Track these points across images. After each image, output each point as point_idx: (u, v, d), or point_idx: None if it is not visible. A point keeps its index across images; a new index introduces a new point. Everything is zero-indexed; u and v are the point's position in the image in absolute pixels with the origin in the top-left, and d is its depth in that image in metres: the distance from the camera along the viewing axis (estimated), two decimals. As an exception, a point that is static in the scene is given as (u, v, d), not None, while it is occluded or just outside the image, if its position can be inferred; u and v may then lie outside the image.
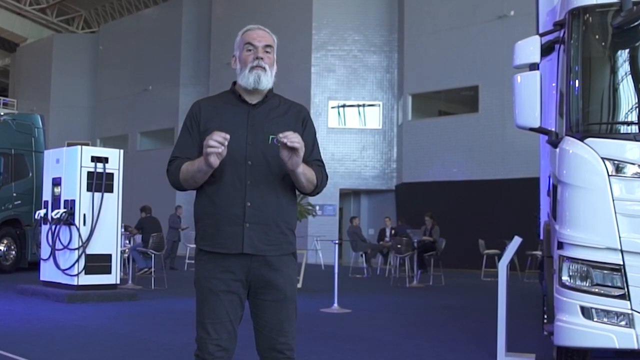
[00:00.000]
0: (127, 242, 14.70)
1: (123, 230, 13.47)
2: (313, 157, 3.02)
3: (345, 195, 25.42)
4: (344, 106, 24.41)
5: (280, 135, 2.74)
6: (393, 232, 17.44)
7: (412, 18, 22.89)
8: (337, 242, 10.86)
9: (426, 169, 21.99)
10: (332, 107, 24.31)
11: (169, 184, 3.07)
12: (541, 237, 6.25)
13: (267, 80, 2.97)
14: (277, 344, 2.94)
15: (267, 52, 2.99)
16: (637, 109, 4.61)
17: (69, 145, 14.79)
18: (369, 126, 24.41)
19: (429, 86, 22.60)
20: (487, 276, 15.13)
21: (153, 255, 13.29)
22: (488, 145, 20.44)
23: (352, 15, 24.38)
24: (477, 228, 18.54)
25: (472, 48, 21.05)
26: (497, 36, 19.81)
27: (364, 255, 18.18)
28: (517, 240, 6.00)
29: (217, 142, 2.71)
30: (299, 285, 13.04)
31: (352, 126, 24.39)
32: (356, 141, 24.13)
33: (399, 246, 14.52)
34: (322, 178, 3.02)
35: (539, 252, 11.73)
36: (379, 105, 24.36)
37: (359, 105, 24.45)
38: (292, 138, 2.73)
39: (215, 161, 2.73)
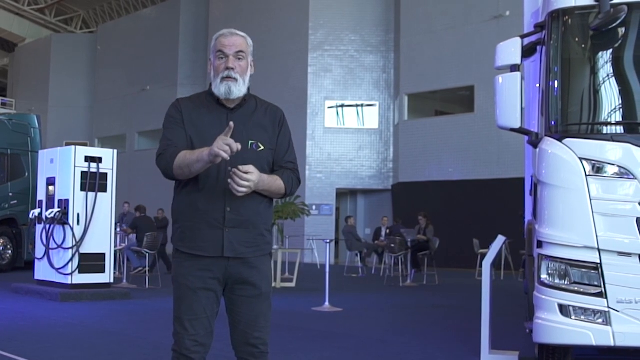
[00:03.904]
0: (124, 242, 14.74)
1: (119, 229, 13.55)
2: (287, 160, 3.09)
3: (342, 194, 25.48)
4: (342, 106, 24.48)
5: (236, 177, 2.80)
6: (388, 231, 17.50)
7: (408, 18, 22.94)
8: (328, 240, 10.92)
9: (422, 168, 22.04)
10: (329, 107, 24.37)
11: (161, 173, 3.03)
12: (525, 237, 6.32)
13: (238, 90, 2.99)
14: (251, 339, 3.01)
15: (239, 58, 3.00)
16: (615, 110, 4.69)
17: (67, 145, 14.85)
18: (365, 126, 24.46)
19: (425, 86, 22.66)
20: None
21: (147, 255, 13.35)
22: (484, 145, 20.50)
23: (349, 16, 24.42)
24: (473, 227, 18.59)
25: (468, 48, 21.11)
26: (493, 36, 19.84)
27: (359, 255, 18.24)
28: (500, 240, 6.08)
29: (229, 149, 2.74)
30: (293, 285, 13.23)
31: (349, 126, 24.45)
32: (353, 141, 24.18)
33: (392, 245, 14.58)
34: (292, 184, 3.09)
35: (529, 252, 11.78)
36: (377, 105, 24.42)
37: (357, 105, 24.51)
38: (240, 184, 2.80)
39: (218, 160, 2.76)
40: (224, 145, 2.72)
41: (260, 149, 3.00)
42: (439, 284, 14.51)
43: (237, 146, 2.74)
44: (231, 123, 2.79)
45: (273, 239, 3.24)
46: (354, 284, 14.67)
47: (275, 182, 2.99)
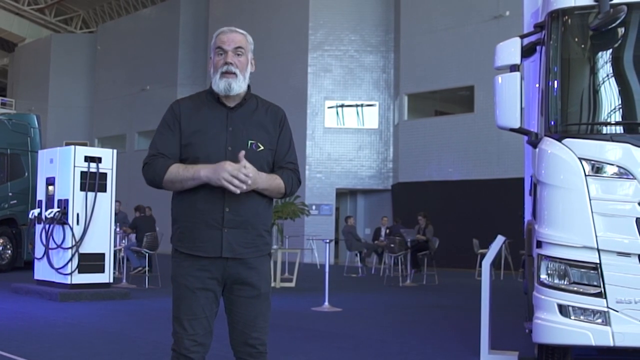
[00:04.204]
0: (124, 242, 14.73)
1: (117, 228, 13.53)
2: (287, 160, 3.08)
3: (342, 194, 25.48)
4: (342, 106, 24.47)
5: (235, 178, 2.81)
6: (388, 231, 17.50)
7: (408, 18, 22.95)
8: (327, 240, 10.92)
9: (422, 168, 22.05)
10: (329, 107, 24.37)
11: (146, 181, 3.07)
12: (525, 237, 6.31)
13: (238, 86, 2.98)
14: (249, 339, 3.00)
15: (238, 54, 2.99)
16: (614, 110, 4.69)
17: (67, 145, 14.85)
18: (365, 126, 24.47)
19: (425, 86, 22.66)
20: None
21: (147, 254, 13.34)
22: (483, 145, 20.50)
23: (349, 16, 24.43)
24: (473, 227, 18.58)
25: (467, 48, 21.12)
26: (493, 36, 19.83)
27: (358, 255, 18.24)
28: (500, 239, 6.07)
29: (239, 181, 2.78)
30: (293, 285, 13.23)
31: (349, 126, 24.46)
32: (353, 141, 24.19)
33: (392, 245, 14.58)
34: (292, 184, 3.08)
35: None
36: (376, 105, 24.42)
37: (357, 105, 24.51)
38: (237, 184, 2.82)
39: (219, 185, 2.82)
40: (232, 178, 2.77)
41: (260, 149, 2.98)
42: (438, 284, 14.51)
43: (248, 176, 2.79)
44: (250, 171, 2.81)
45: (272, 239, 3.25)
46: (353, 284, 14.67)
47: (274, 181, 2.99)
